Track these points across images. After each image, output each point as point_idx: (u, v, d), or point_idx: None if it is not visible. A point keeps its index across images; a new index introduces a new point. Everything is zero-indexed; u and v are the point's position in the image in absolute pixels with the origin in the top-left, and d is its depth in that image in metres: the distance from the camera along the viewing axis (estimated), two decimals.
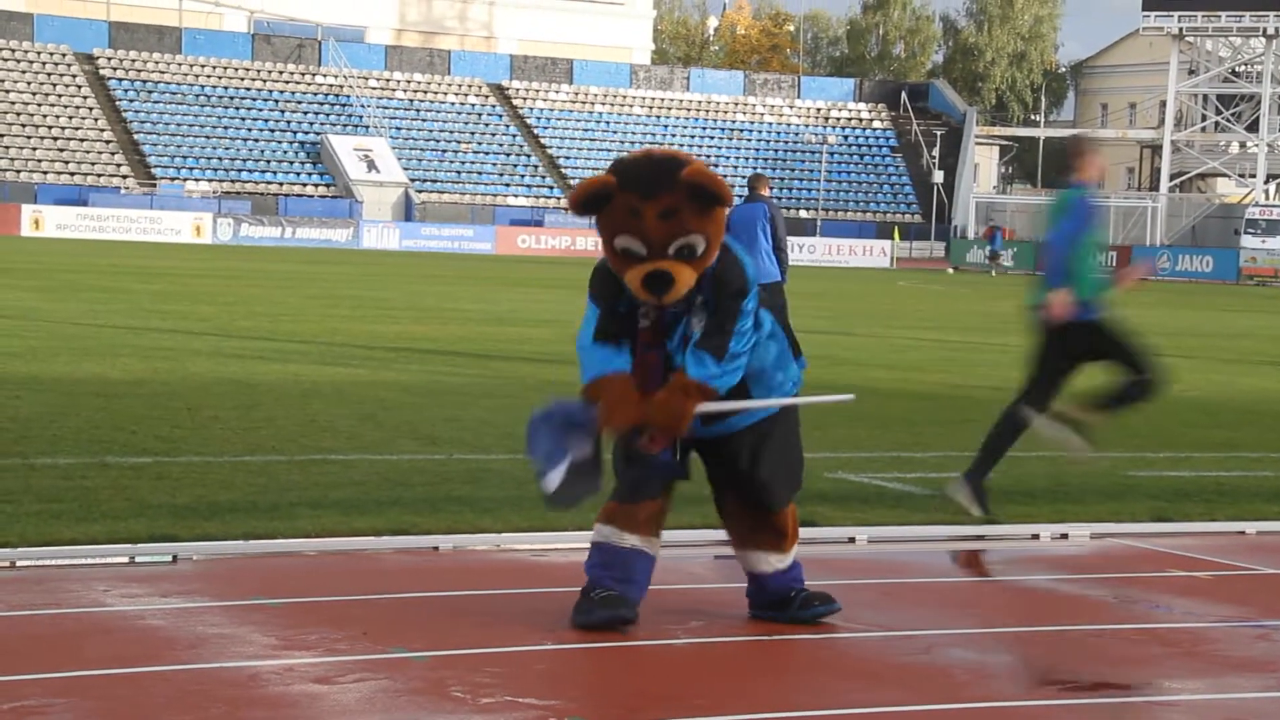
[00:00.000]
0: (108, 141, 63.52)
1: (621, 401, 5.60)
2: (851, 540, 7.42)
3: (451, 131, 69.85)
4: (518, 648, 5.29)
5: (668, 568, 6.77)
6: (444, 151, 68.79)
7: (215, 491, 7.89)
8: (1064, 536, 7.72)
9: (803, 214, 71.53)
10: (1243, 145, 76.42)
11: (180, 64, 67.75)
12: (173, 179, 62.63)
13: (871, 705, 4.86)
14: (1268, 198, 74.61)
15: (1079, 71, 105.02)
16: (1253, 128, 74.16)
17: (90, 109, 64.44)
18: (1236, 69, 75.85)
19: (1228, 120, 75.69)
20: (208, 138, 65.18)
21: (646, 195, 5.49)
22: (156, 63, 67.34)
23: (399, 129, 68.59)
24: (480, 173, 68.35)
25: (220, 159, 64.53)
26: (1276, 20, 69.95)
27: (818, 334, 20.58)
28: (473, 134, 70.23)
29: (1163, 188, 73.46)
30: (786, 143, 75.24)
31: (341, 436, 9.98)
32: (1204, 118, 76.60)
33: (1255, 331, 27.17)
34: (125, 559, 6.44)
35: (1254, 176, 73.61)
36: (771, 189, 16.38)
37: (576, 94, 73.87)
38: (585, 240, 62.92)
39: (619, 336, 5.68)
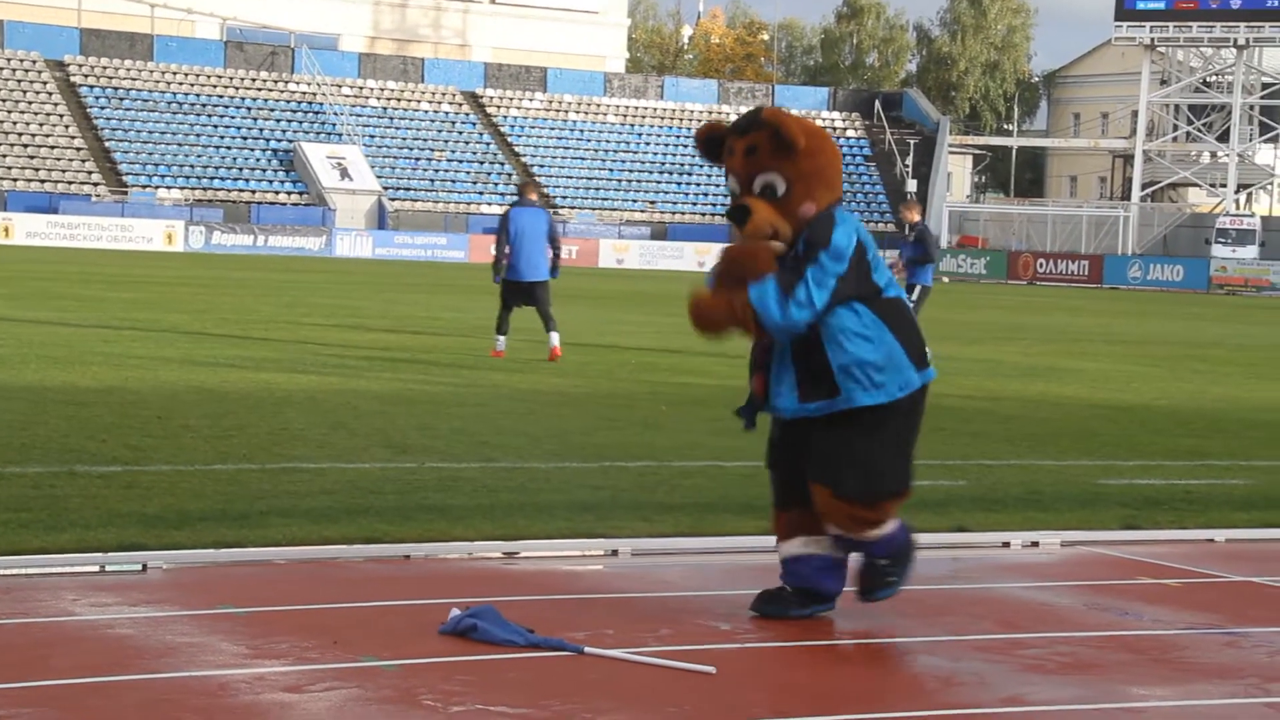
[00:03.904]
0: (79, 149, 63.29)
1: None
2: None
3: (425, 139, 69.81)
4: (489, 656, 5.29)
5: (640, 575, 6.77)
6: (417, 159, 68.74)
7: (185, 500, 7.86)
8: (1034, 544, 7.74)
9: None
10: (1214, 155, 76.89)
11: (152, 71, 67.56)
12: (144, 186, 62.42)
13: (841, 713, 4.87)
14: (1238, 207, 75.03)
15: (1051, 81, 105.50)
16: (1224, 138, 74.61)
17: (61, 116, 64.21)
18: (1208, 79, 76.32)
19: (1199, 130, 76.14)
20: (180, 145, 65.00)
21: (739, 134, 5.97)
22: (128, 70, 67.14)
23: (372, 137, 68.51)
24: (454, 181, 68.29)
25: (192, 167, 64.36)
26: (1247, 31, 70.40)
27: None
28: (446, 142, 70.19)
29: (1134, 197, 73.82)
30: None
31: (313, 445, 9.96)
32: (1175, 128, 77.02)
33: (1225, 340, 27.31)
34: (94, 568, 6.41)
35: (1225, 186, 74.03)
36: (539, 193, 17.61)
37: (550, 102, 73.89)
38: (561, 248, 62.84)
39: None
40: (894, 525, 6.00)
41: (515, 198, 17.87)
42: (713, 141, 6.08)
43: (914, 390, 5.93)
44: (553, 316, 17.33)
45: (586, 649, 5.37)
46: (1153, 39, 72.33)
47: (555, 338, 17.16)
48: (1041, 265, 64.77)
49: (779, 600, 6.02)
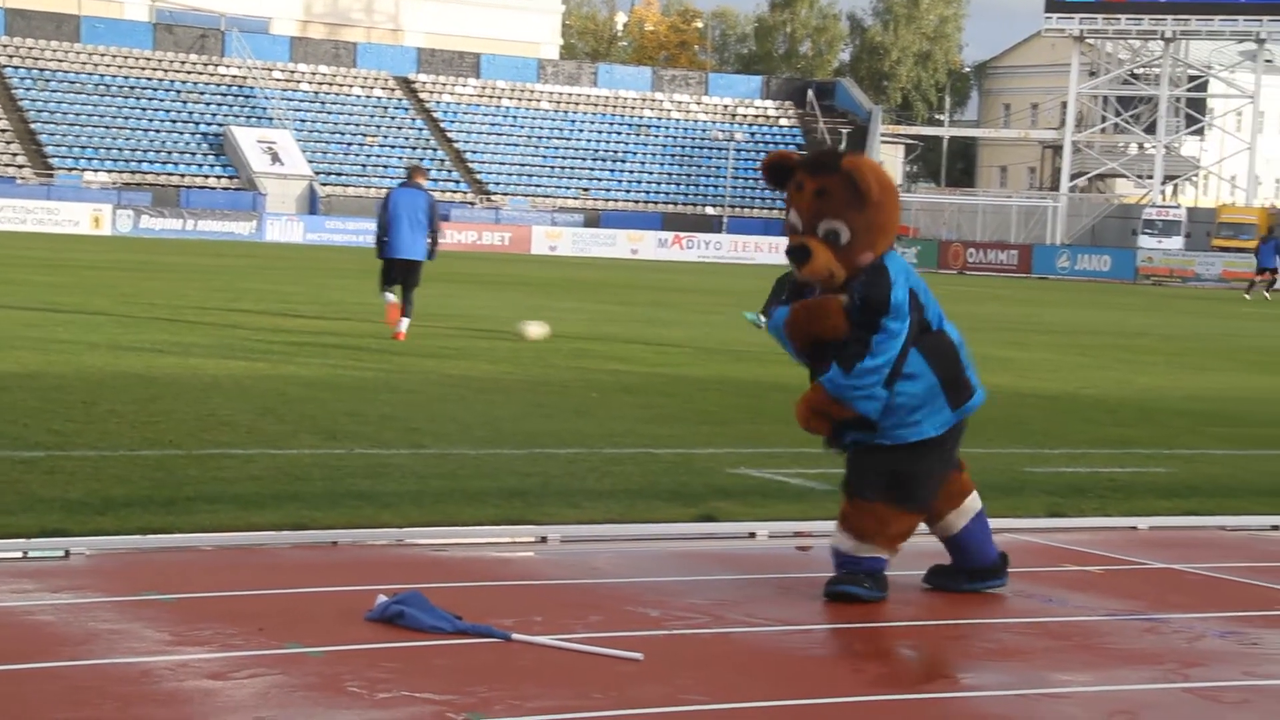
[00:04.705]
0: (3, 130, 62.45)
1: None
2: (752, 535, 7.45)
3: (357, 124, 69.40)
4: (415, 643, 5.27)
5: (569, 562, 6.77)
6: (349, 144, 68.32)
7: (110, 486, 7.78)
8: None
9: (709, 210, 71.76)
10: (1141, 147, 77.71)
11: (79, 53, 66.77)
12: (70, 169, 61.71)
13: (764, 699, 4.89)
14: (1165, 199, 75.86)
15: (982, 72, 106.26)
16: (1151, 129, 75.42)
17: None
18: (1135, 71, 77.10)
19: (1126, 122, 76.92)
20: (107, 128, 64.28)
21: (812, 173, 6.02)
22: (54, 51, 66.33)
23: (304, 121, 68.03)
24: (386, 166, 67.91)
25: (120, 149, 63.67)
26: (1174, 24, 71.18)
27: (722, 332, 20.69)
28: (378, 127, 69.81)
29: (1063, 188, 74.51)
30: (693, 139, 75.45)
31: (241, 431, 9.89)
32: (1104, 119, 77.78)
33: (1151, 330, 27.62)
34: (16, 554, 6.33)
35: (1151, 178, 74.84)
36: (427, 176, 18.75)
37: (484, 88, 73.64)
38: (493, 235, 62.75)
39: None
40: (886, 555, 6.22)
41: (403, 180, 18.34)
42: (780, 170, 6.12)
43: (951, 426, 6.18)
44: (413, 303, 17.76)
45: (514, 636, 5.36)
46: (1082, 31, 73.01)
47: (405, 324, 17.60)
48: (972, 255, 65.24)
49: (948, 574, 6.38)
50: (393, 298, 17.76)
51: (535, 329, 17.52)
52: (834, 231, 5.95)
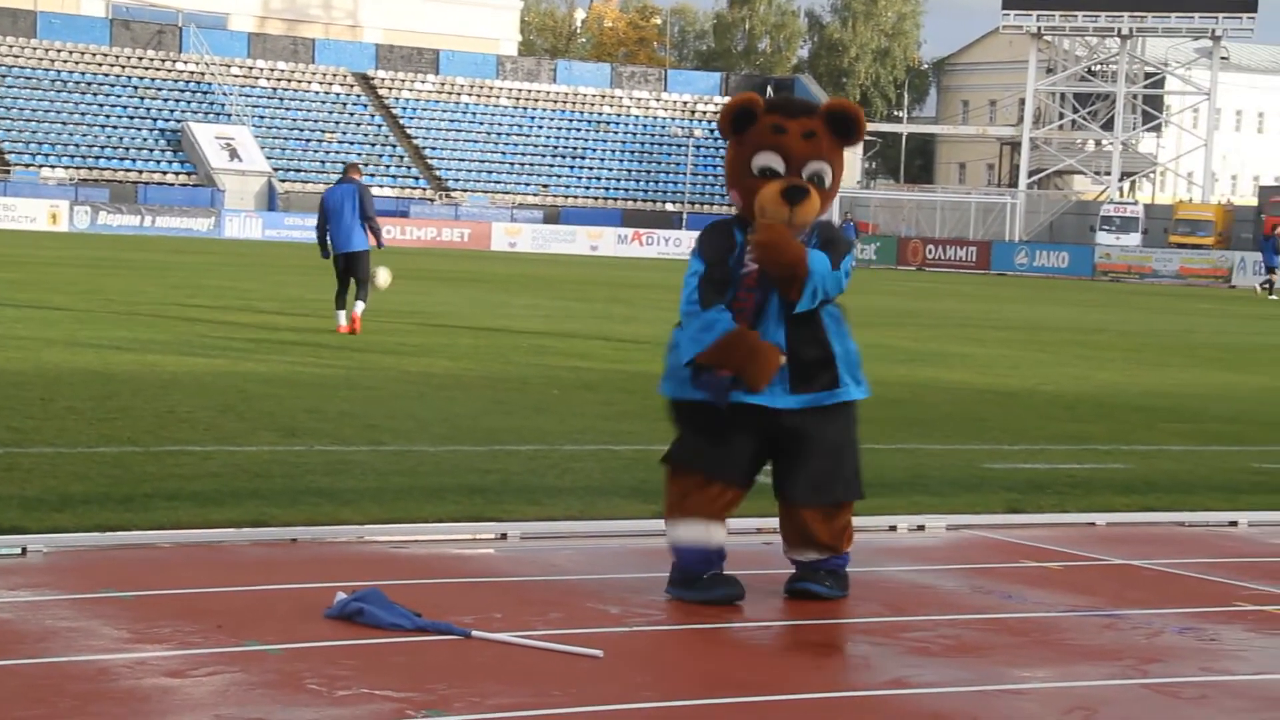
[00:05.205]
0: None
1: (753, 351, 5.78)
2: None
3: (316, 121, 69.15)
4: (374, 640, 5.25)
5: (529, 559, 6.76)
6: (308, 141, 68.06)
7: (67, 483, 7.73)
8: (920, 528, 7.82)
9: (669, 207, 71.79)
10: (1098, 143, 78.18)
11: (35, 48, 66.31)
12: (27, 165, 61.27)
13: (724, 696, 4.89)
14: (1122, 195, 76.33)
15: (941, 68, 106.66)
16: (1108, 126, 75.89)
17: None
18: (1092, 68, 77.57)
19: (1084, 119, 77.37)
20: (64, 124, 63.87)
21: (791, 116, 5.91)
22: (10, 47, 65.86)
23: (262, 118, 67.73)
24: (345, 163, 67.73)
25: (78, 145, 63.27)
26: (1131, 21, 71.65)
27: None
28: (337, 124, 69.58)
29: (1021, 184, 74.88)
30: (653, 135, 75.48)
31: (200, 427, 9.84)
32: (1061, 115, 78.22)
33: (1109, 326, 27.78)
34: None
35: (1109, 174, 75.29)
36: (362, 173, 19.09)
37: (442, 84, 73.48)
38: (452, 232, 62.60)
39: (725, 285, 5.88)
40: (848, 553, 6.21)
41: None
42: (747, 115, 5.95)
43: (863, 399, 6.12)
44: (367, 290, 17.95)
45: (474, 632, 5.35)
46: (1039, 28, 73.43)
47: (360, 307, 17.79)
48: (930, 251, 65.48)
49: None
50: (344, 320, 17.79)
51: (382, 277, 17.70)
52: (819, 174, 5.90)
